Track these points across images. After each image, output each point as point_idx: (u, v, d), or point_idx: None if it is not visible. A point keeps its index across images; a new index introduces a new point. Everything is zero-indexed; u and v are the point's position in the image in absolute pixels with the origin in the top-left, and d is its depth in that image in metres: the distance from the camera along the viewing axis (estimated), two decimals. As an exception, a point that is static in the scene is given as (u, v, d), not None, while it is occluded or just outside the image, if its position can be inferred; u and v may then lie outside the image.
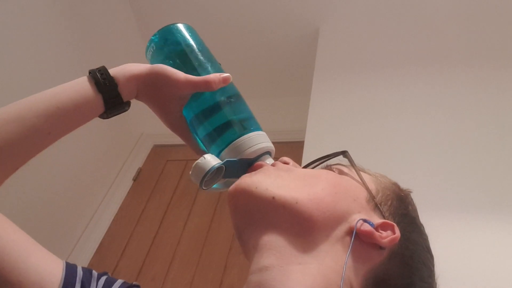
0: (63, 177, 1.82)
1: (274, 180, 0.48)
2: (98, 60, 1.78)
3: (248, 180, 0.48)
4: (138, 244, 1.94)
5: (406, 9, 1.66)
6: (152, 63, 0.59)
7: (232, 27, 2.00)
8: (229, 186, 0.52)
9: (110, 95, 0.52)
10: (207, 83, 0.53)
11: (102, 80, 0.51)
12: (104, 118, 0.55)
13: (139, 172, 2.28)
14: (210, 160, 0.50)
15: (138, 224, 2.03)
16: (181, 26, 0.62)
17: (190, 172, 0.51)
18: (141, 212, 2.08)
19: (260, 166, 0.52)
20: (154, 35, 0.61)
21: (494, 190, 1.06)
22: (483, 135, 1.20)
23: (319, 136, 1.32)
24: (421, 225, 0.52)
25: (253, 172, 0.51)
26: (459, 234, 0.99)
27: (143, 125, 2.22)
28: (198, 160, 0.50)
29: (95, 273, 0.53)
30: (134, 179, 2.24)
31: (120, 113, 0.55)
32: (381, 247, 0.45)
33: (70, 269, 0.49)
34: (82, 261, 1.83)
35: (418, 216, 0.53)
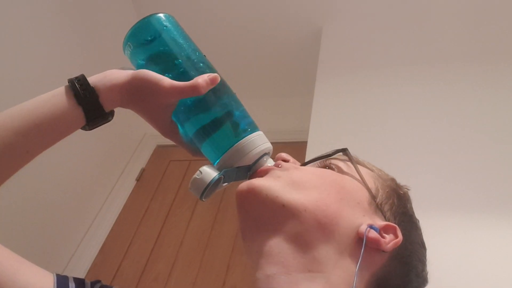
0: (65, 177, 1.83)
1: (283, 186, 0.48)
2: (101, 57, 1.77)
3: (258, 185, 0.48)
4: (141, 244, 1.94)
5: (409, 8, 1.65)
6: (132, 63, 0.56)
7: (235, 27, 2.00)
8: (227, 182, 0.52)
9: (91, 107, 0.48)
10: (194, 89, 0.49)
11: (81, 92, 0.47)
12: (86, 130, 0.51)
13: (142, 172, 2.28)
14: (208, 172, 0.49)
15: (141, 224, 2.03)
16: (157, 18, 0.55)
17: (189, 186, 0.50)
18: (144, 212, 2.08)
19: (263, 172, 0.51)
20: (129, 31, 0.54)
21: (493, 189, 1.06)
22: (487, 134, 1.19)
23: (322, 136, 1.32)
24: (417, 220, 0.53)
25: (262, 177, 0.50)
26: (460, 232, 0.99)
27: (146, 125, 2.20)
28: (196, 175, 0.49)
29: (88, 282, 0.50)
30: (137, 179, 2.24)
31: (103, 124, 0.51)
32: (383, 251, 0.45)
33: (61, 283, 0.47)
34: (85, 261, 1.84)
35: (414, 212, 0.54)
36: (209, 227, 1.93)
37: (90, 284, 0.50)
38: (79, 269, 1.80)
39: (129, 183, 2.21)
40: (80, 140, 1.81)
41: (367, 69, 1.52)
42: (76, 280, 0.49)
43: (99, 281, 0.52)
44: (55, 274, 0.47)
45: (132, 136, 2.33)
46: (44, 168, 1.65)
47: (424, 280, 0.50)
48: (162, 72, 0.51)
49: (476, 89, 1.33)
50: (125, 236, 1.98)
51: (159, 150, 2.38)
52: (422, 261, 0.50)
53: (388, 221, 0.48)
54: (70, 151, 1.76)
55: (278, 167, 0.52)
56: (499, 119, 1.23)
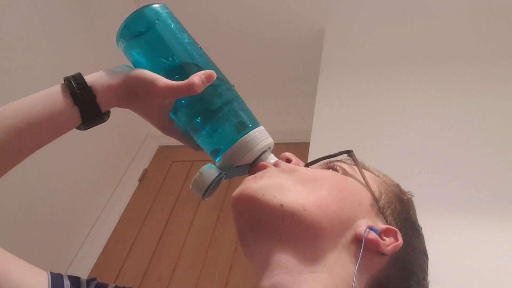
0: (68, 178, 1.83)
1: (280, 186, 0.47)
2: (101, 54, 1.78)
3: (254, 186, 0.47)
4: (143, 245, 1.94)
5: (411, 9, 1.65)
6: (126, 56, 0.55)
7: (237, 28, 2.01)
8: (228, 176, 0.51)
9: (88, 108, 0.47)
10: (190, 88, 0.47)
11: (78, 91, 0.46)
12: (81, 130, 0.50)
13: (145, 173, 2.28)
14: (209, 173, 0.49)
15: (143, 225, 2.03)
16: (151, 9, 0.52)
17: (190, 186, 0.50)
18: (147, 213, 2.08)
19: (264, 167, 0.50)
20: (123, 23, 0.52)
21: (496, 190, 1.06)
22: (491, 134, 1.19)
23: (325, 137, 1.32)
24: (420, 227, 0.53)
25: (257, 175, 0.49)
26: (462, 234, 0.99)
27: (149, 125, 2.20)
28: (196, 177, 0.49)
29: (83, 280, 0.49)
30: (140, 180, 2.24)
31: (99, 124, 0.50)
32: (383, 253, 0.45)
33: (56, 281, 0.46)
34: (87, 262, 1.84)
35: (417, 219, 0.53)
36: (211, 227, 1.94)
37: (86, 282, 0.49)
38: (82, 269, 1.80)
39: (132, 184, 2.21)
40: (83, 141, 1.81)
41: (369, 70, 1.52)
42: (71, 278, 0.48)
43: (94, 279, 0.51)
44: (49, 272, 0.46)
45: (134, 137, 2.33)
46: (47, 169, 1.66)
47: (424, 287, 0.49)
48: (156, 65, 0.50)
49: (480, 90, 1.32)
50: (128, 236, 1.99)
51: (162, 151, 2.38)
52: (423, 268, 0.49)
53: (390, 225, 0.48)
54: (72, 151, 1.77)
55: (277, 166, 0.51)
56: (503, 119, 1.22)
